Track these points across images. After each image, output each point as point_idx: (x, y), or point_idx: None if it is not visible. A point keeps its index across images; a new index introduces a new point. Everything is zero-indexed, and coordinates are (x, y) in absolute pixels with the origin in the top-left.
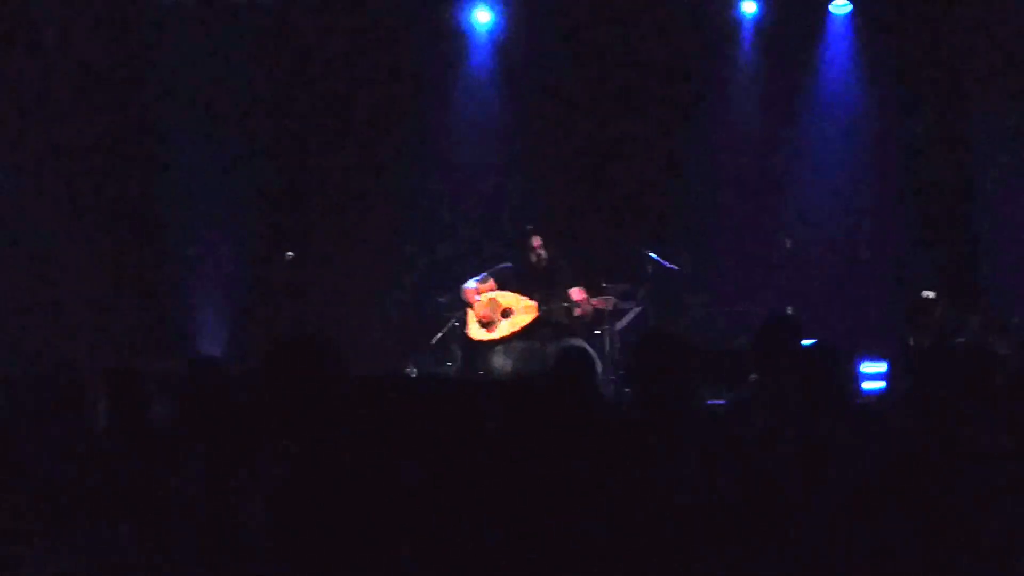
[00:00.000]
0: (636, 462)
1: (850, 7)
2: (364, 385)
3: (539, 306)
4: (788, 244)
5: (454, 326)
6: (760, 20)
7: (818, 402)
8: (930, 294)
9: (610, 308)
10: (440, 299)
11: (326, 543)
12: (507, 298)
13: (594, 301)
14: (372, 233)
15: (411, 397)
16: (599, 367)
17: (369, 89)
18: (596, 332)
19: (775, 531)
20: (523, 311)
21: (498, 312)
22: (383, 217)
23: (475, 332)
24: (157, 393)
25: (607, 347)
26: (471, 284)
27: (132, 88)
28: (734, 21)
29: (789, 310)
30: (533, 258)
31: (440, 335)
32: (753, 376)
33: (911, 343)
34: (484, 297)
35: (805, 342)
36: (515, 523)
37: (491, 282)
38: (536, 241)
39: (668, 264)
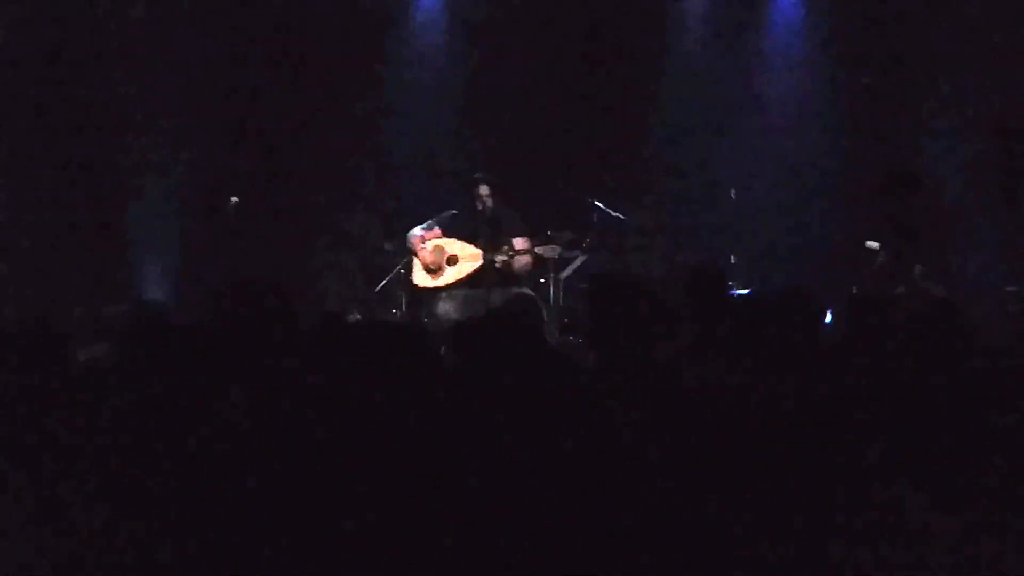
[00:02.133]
0: (586, 411)
1: None
2: (316, 329)
3: (484, 254)
4: (733, 194)
5: (399, 273)
6: None
7: (765, 352)
8: (874, 244)
9: (554, 257)
10: (386, 246)
11: (279, 491)
12: (453, 246)
13: (538, 249)
14: (317, 180)
15: (361, 341)
16: (545, 315)
17: (316, 39)
18: (541, 280)
19: (730, 483)
20: (469, 259)
21: (444, 259)
22: (328, 164)
23: (420, 279)
24: (94, 337)
25: (552, 296)
26: (417, 231)
27: (73, 42)
28: None
29: (732, 259)
30: (479, 205)
31: (385, 282)
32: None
33: (855, 291)
34: (430, 244)
35: (740, 291)
36: (468, 475)
37: (437, 230)
38: (483, 189)
39: (614, 213)
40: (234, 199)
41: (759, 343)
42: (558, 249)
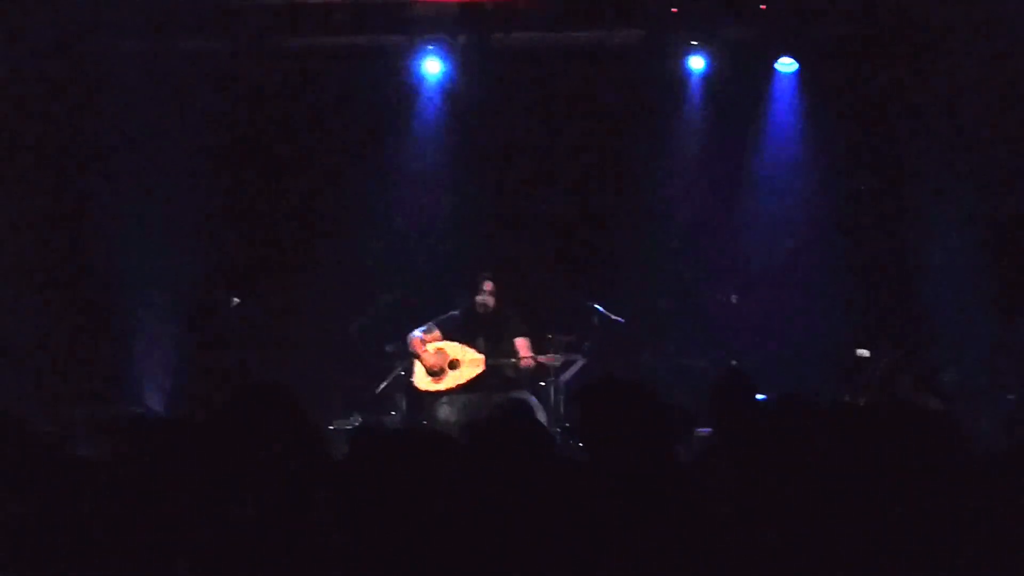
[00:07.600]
0: (592, 515)
1: (796, 66)
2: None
3: (486, 360)
4: (734, 299)
5: (399, 375)
6: (707, 76)
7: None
8: (864, 352)
9: (556, 365)
10: (387, 348)
11: None
12: (455, 349)
13: (540, 358)
14: (317, 281)
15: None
16: (543, 418)
17: (317, 138)
18: (541, 384)
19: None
20: (470, 364)
21: (446, 363)
22: (328, 265)
23: (421, 382)
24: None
25: (552, 400)
26: (417, 334)
27: (75, 134)
28: (682, 76)
29: (734, 363)
30: (480, 299)
31: (385, 384)
32: (703, 430)
33: (846, 400)
34: (432, 347)
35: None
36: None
37: (436, 332)
38: (488, 285)
39: (613, 317)
40: (235, 299)
41: (782, 448)
42: (560, 358)
